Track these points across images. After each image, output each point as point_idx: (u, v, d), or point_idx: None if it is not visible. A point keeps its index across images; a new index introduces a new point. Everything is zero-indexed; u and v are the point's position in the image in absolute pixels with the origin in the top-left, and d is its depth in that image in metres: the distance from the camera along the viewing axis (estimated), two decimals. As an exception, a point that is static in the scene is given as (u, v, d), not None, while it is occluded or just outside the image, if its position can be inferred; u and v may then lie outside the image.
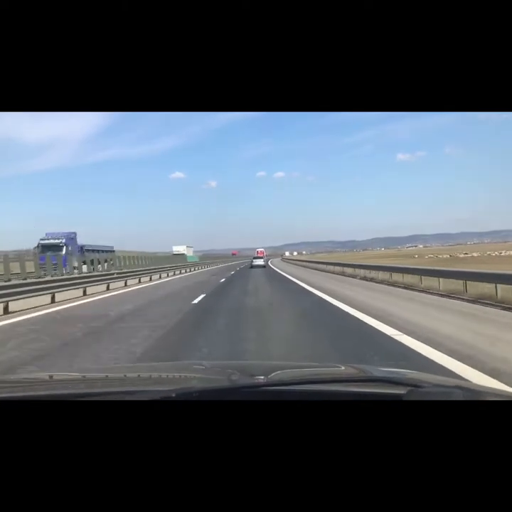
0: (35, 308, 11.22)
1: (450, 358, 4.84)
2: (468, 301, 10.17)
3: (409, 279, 14.88)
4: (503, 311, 8.44)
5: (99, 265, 23.70)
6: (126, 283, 20.20)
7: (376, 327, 7.04)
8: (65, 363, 5.37)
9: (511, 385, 3.69)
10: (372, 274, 19.21)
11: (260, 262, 45.85)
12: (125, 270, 21.86)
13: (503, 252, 78.72)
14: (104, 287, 17.49)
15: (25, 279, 13.12)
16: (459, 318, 7.92)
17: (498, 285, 9.71)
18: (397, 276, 16.19)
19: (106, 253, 32.68)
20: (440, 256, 77.76)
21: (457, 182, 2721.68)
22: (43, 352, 5.99)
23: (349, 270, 23.44)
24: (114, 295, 15.58)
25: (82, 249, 31.76)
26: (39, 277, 14.25)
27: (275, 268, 41.49)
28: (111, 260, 23.68)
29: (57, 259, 17.91)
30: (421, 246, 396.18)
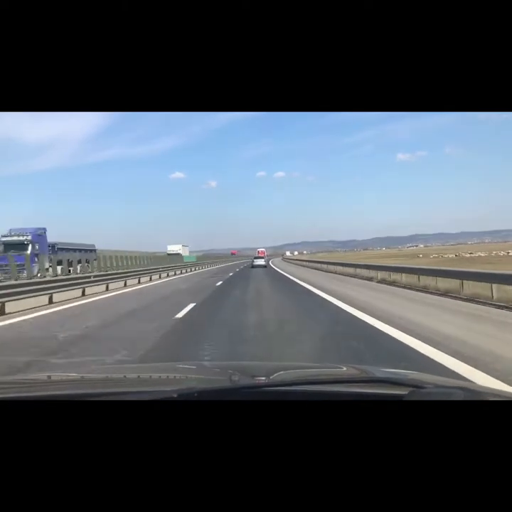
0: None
1: None
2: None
3: (444, 283, 12.28)
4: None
5: (80, 266, 20.94)
6: (107, 287, 17.54)
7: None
8: None
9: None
10: (392, 276, 16.74)
11: (261, 261, 45.94)
12: (106, 272, 18.93)
13: (511, 251, 76.56)
14: (78, 293, 14.84)
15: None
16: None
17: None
18: (429, 280, 13.49)
19: (85, 252, 29.37)
20: (446, 256, 75.72)
21: (457, 182, 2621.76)
22: None
23: (363, 272, 21.19)
24: (83, 304, 12.74)
25: (55, 247, 27.88)
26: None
27: (278, 269, 39.08)
28: (90, 261, 20.80)
29: (25, 260, 15.01)
30: (421, 246, 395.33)
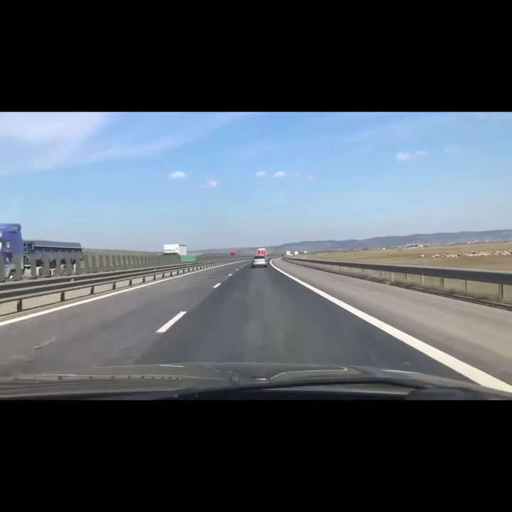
0: None
1: None
2: None
3: (475, 286, 10.60)
4: None
5: (63, 266, 19.14)
6: (92, 290, 15.81)
7: None
8: None
9: None
10: (409, 278, 15.01)
11: (262, 261, 45.82)
12: (90, 274, 16.95)
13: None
14: (56, 297, 13.09)
15: None
16: None
17: None
18: (453, 284, 11.74)
19: (68, 252, 26.18)
20: (448, 256, 74.45)
21: (457, 181, 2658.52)
22: None
23: (374, 273, 19.48)
24: (55, 312, 10.85)
25: (32, 246, 24.37)
26: None
27: (280, 270, 37.07)
28: (77, 261, 18.95)
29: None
30: (421, 246, 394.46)
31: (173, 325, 7.94)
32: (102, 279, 17.14)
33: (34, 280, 13.07)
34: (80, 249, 30.17)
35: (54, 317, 10.01)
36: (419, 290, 12.96)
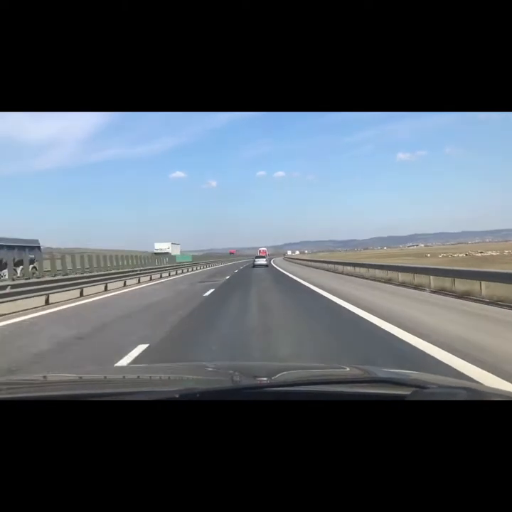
0: None
1: None
2: None
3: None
4: None
5: (21, 268, 15.55)
6: (47, 300, 12.26)
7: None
8: None
9: None
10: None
11: (263, 261, 45.49)
12: (43, 279, 13.38)
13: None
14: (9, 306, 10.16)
15: None
16: None
17: None
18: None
19: (19, 250, 20.47)
20: (455, 255, 71.55)
21: (457, 181, 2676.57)
22: None
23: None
24: None
25: None
26: None
27: (283, 270, 34.07)
28: (40, 261, 15.36)
29: None
30: (422, 245, 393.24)
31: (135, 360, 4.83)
32: (62, 285, 13.32)
33: None
34: (39, 247, 24.85)
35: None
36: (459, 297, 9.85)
